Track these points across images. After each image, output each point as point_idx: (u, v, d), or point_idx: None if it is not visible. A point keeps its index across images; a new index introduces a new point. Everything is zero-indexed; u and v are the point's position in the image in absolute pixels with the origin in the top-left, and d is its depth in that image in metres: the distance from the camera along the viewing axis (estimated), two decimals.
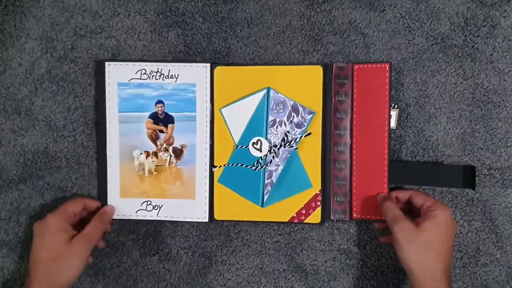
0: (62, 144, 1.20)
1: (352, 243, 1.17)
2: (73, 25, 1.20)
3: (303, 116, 1.13)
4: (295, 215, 1.15)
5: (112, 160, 1.18)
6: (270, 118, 1.13)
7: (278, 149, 1.13)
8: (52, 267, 1.02)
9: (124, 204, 1.19)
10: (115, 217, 1.18)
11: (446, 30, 1.13)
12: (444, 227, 1.00)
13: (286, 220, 1.16)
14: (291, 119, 1.13)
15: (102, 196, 1.19)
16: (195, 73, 1.16)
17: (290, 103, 1.13)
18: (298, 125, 1.13)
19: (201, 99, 1.16)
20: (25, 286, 1.02)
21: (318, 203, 1.15)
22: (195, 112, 1.16)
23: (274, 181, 1.14)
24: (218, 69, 1.15)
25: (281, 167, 1.14)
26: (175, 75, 1.16)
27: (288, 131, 1.13)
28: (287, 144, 1.12)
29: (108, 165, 1.19)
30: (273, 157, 1.13)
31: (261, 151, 1.13)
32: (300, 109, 1.13)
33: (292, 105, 1.13)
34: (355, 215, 1.14)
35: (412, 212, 1.09)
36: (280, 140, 1.13)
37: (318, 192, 1.15)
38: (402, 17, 1.14)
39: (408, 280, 1.01)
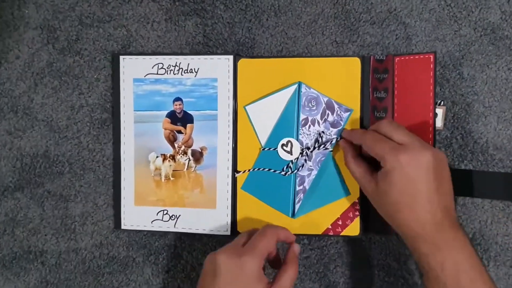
0: (64, 147, 1.11)
1: (391, 258, 1.06)
2: (78, 12, 1.11)
3: (339, 114, 1.02)
4: (330, 227, 1.04)
5: (126, 164, 1.10)
6: (302, 116, 1.02)
7: (311, 151, 1.02)
8: None
9: (139, 213, 1.09)
10: (129, 227, 1.09)
11: (497, 19, 1.03)
12: (404, 182, 0.85)
13: (320, 233, 1.05)
14: (326, 117, 1.02)
15: (116, 204, 1.09)
16: (216, 67, 1.06)
17: (324, 99, 1.02)
18: (334, 124, 1.02)
19: (223, 95, 1.06)
20: None
21: (357, 212, 1.04)
22: (217, 110, 1.07)
23: (307, 188, 1.03)
24: (242, 62, 1.05)
25: (314, 172, 1.03)
26: (194, 69, 1.07)
27: (322, 131, 1.02)
28: (322, 146, 1.02)
29: (122, 169, 1.10)
30: (305, 160, 1.02)
31: (291, 154, 1.03)
32: (336, 106, 1.02)
33: (327, 101, 1.02)
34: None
35: None
36: (313, 141, 1.02)
37: (357, 201, 1.04)
38: (447, 5, 1.05)
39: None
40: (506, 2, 1.03)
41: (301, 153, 1.02)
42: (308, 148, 1.02)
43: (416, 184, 0.85)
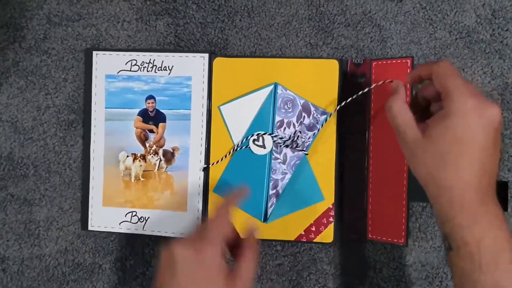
0: (29, 149, 1.07)
1: (366, 265, 1.04)
2: (46, 11, 1.08)
3: (315, 117, 1.00)
4: (303, 233, 1.01)
5: (95, 163, 1.07)
6: (277, 118, 1.00)
7: (286, 146, 0.99)
8: None
9: (107, 213, 1.06)
10: (96, 228, 1.04)
11: (472, 23, 1.03)
12: (461, 130, 0.74)
13: (293, 239, 1.02)
14: (302, 120, 1.00)
15: (84, 204, 1.05)
16: (191, 65, 1.04)
17: (300, 101, 1.00)
18: (310, 127, 1.00)
19: (197, 94, 1.04)
20: None
21: (331, 219, 1.01)
22: (190, 109, 1.04)
23: (280, 192, 1.00)
24: (217, 61, 1.03)
25: (288, 176, 1.00)
26: (168, 66, 1.05)
27: (299, 131, 0.99)
28: (296, 146, 0.99)
29: (91, 168, 1.06)
30: (280, 163, 0.99)
31: (264, 148, 0.99)
32: (312, 109, 1.00)
33: (303, 104, 1.00)
34: (370, 236, 1.01)
35: None
36: (289, 140, 0.99)
37: (331, 206, 1.01)
38: (422, 8, 1.04)
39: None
40: (481, 6, 1.03)
41: (275, 144, 1.00)
42: (282, 138, 0.99)
43: (474, 137, 0.74)
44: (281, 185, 1.00)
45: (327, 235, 1.01)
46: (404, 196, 0.97)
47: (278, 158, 0.99)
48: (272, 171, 1.00)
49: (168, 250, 0.75)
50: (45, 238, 1.05)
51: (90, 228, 1.05)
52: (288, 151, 0.99)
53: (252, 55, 1.06)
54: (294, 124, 1.00)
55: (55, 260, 1.05)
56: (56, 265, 1.05)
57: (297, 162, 1.00)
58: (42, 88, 1.07)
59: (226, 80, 1.04)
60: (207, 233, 0.78)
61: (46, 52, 1.07)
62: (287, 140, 0.99)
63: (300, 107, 1.00)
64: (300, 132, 0.99)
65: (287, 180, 1.00)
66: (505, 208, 0.94)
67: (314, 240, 1.01)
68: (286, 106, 1.00)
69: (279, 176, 1.00)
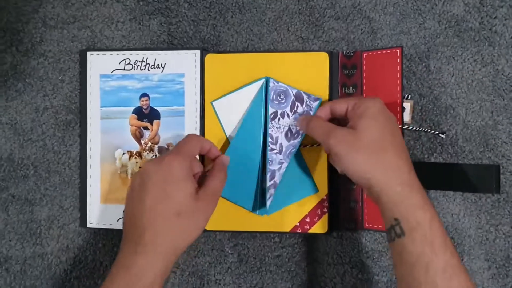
0: (29, 150, 1.08)
1: (364, 255, 1.04)
2: (42, 14, 1.10)
3: (308, 105, 1.00)
4: (298, 224, 1.03)
5: (92, 161, 1.08)
6: (271, 110, 0.99)
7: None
8: (175, 225, 0.82)
9: (105, 210, 1.07)
10: (94, 225, 1.06)
11: (460, 11, 1.04)
12: (382, 118, 0.84)
13: (288, 230, 1.03)
14: (295, 109, 1.00)
15: (82, 203, 1.06)
16: (183, 62, 1.05)
17: (293, 91, 1.00)
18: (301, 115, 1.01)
19: (190, 91, 1.05)
20: (121, 251, 0.81)
21: (325, 209, 1.02)
22: (183, 106, 1.05)
23: (278, 182, 1.00)
24: (209, 57, 1.04)
25: (285, 165, 1.00)
26: (161, 64, 1.06)
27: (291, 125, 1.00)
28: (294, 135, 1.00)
29: (88, 166, 1.07)
30: (276, 153, 0.99)
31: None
32: (305, 97, 1.00)
33: (296, 93, 1.00)
34: (367, 225, 1.01)
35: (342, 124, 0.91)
36: (283, 134, 0.99)
37: (325, 197, 1.02)
38: None
39: (371, 197, 0.84)
40: None
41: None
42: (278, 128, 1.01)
43: (393, 125, 0.85)
44: (278, 175, 0.99)
45: (322, 226, 1.03)
46: None
47: (274, 149, 0.99)
48: (269, 162, 0.99)
49: (138, 170, 0.87)
50: (47, 237, 1.07)
51: (88, 225, 1.06)
52: (284, 140, 0.99)
53: (245, 50, 1.07)
54: (288, 114, 1.00)
55: (57, 258, 1.07)
56: (58, 263, 1.07)
57: (293, 151, 1.00)
58: (40, 90, 1.08)
59: (218, 76, 1.05)
60: (176, 149, 0.89)
61: (43, 54, 1.09)
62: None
63: (292, 97, 1.00)
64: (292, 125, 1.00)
65: (284, 170, 1.00)
66: (497, 190, 0.97)
67: (309, 231, 1.02)
68: (279, 98, 1.00)
69: (275, 167, 0.99)
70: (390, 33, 1.04)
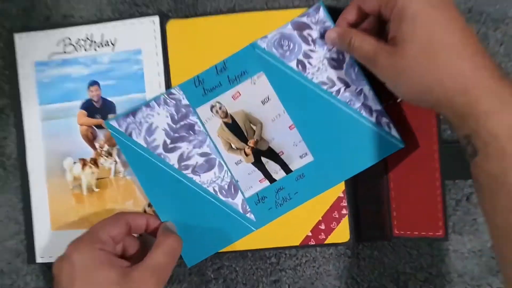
0: None
1: (387, 278, 0.85)
2: None
3: (315, 22, 0.79)
4: (310, 234, 0.81)
5: (35, 176, 0.88)
6: (291, 64, 0.79)
7: None
8: None
9: (58, 239, 0.87)
10: (46, 260, 0.87)
11: None
12: (427, 12, 0.66)
13: (298, 244, 0.82)
14: (310, 39, 0.79)
15: (28, 229, 0.87)
16: (139, 34, 0.84)
17: (287, 28, 0.79)
18: (322, 36, 0.79)
19: (151, 71, 0.84)
20: None
21: (344, 211, 0.80)
22: (145, 92, 0.85)
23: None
24: (171, 24, 0.82)
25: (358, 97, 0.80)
26: (111, 40, 0.85)
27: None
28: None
29: (30, 183, 0.87)
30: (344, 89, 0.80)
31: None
32: (305, 19, 0.79)
33: (292, 25, 0.79)
34: (397, 231, 0.81)
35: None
36: (330, 67, 0.78)
37: (342, 195, 0.80)
38: None
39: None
40: None
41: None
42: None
43: (440, 16, 0.67)
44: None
45: (342, 232, 0.81)
46: (438, 176, 0.78)
47: (340, 90, 0.79)
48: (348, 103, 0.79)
49: (65, 257, 0.73)
50: None
51: (38, 260, 0.87)
52: (336, 73, 0.79)
53: (230, 11, 0.84)
54: (311, 51, 0.79)
55: None
56: None
57: (356, 71, 0.80)
58: None
59: (185, 49, 0.83)
60: (85, 235, 0.77)
61: None
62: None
63: (294, 31, 0.79)
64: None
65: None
66: None
67: (326, 242, 0.81)
68: (283, 47, 0.80)
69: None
70: None
